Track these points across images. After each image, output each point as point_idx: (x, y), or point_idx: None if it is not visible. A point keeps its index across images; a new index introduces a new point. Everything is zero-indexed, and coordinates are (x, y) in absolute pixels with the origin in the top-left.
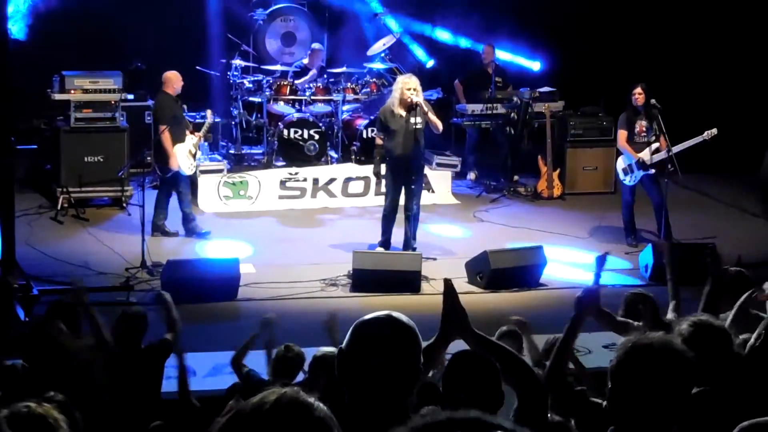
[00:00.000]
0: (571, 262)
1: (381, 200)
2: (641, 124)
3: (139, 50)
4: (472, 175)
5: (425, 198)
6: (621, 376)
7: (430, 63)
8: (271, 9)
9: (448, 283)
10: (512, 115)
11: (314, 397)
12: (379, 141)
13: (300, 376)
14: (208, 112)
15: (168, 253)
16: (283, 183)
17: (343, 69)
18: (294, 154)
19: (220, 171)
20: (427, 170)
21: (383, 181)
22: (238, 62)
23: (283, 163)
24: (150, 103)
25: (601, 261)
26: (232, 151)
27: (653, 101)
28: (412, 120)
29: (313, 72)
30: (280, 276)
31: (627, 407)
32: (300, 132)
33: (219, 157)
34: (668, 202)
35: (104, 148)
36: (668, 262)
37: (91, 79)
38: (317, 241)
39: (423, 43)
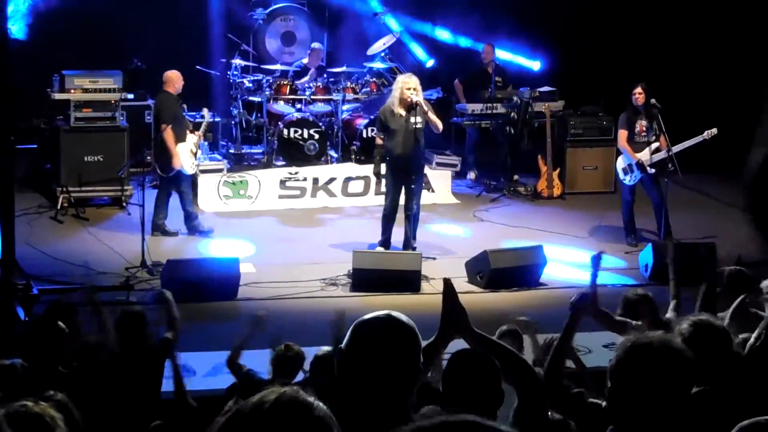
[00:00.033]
0: (571, 262)
1: (381, 200)
2: (641, 124)
3: (139, 50)
4: (472, 175)
5: (425, 197)
6: (620, 376)
7: (430, 62)
8: (270, 8)
9: (447, 283)
10: (512, 114)
11: (313, 396)
12: (379, 141)
13: (300, 376)
14: (205, 111)
15: (168, 253)
16: (283, 182)
17: (343, 68)
18: (294, 154)
19: (220, 170)
20: (427, 170)
21: (383, 181)
22: (238, 62)
23: (283, 163)
24: (150, 102)
25: (596, 260)
26: (232, 151)
27: (653, 101)
28: (412, 119)
29: (311, 72)
30: (280, 275)
31: (626, 407)
32: (300, 131)
33: (219, 157)
34: (668, 202)
35: (104, 147)
36: (671, 262)
37: (91, 78)
38: (317, 240)
39: (423, 43)
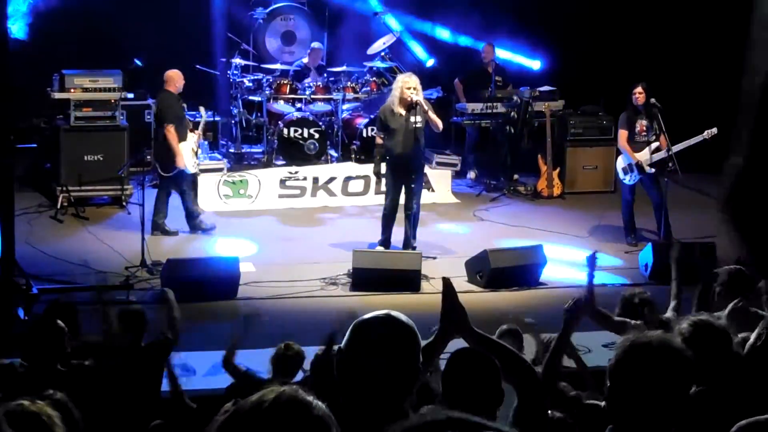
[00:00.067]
0: (570, 261)
1: (381, 199)
2: (642, 124)
3: (139, 49)
4: (472, 174)
5: (425, 197)
6: (620, 375)
7: (430, 62)
8: (271, 8)
9: (447, 282)
10: (512, 114)
11: (313, 395)
12: (379, 140)
13: (300, 375)
14: (202, 110)
15: (168, 252)
16: (283, 182)
17: (343, 68)
18: (294, 153)
19: (220, 170)
20: (427, 169)
21: (383, 180)
22: (238, 61)
23: (283, 162)
24: (150, 102)
25: (591, 261)
26: (232, 150)
27: (653, 100)
28: (412, 119)
29: (313, 72)
30: (280, 275)
31: (626, 406)
32: (300, 131)
33: (219, 156)
34: (668, 202)
35: (104, 146)
36: (675, 262)
37: (90, 77)
38: (317, 240)
39: (423, 42)
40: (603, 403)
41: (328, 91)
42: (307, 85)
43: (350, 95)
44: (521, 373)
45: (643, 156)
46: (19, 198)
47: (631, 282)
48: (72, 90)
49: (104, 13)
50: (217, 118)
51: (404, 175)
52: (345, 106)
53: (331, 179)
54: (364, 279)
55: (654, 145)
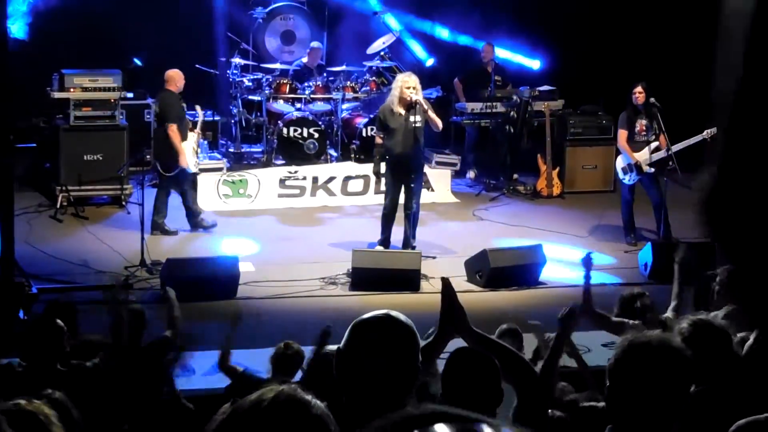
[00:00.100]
0: (570, 261)
1: (380, 199)
2: (641, 123)
3: (138, 48)
4: (471, 174)
5: (425, 196)
6: (619, 375)
7: (430, 61)
8: (270, 7)
9: (446, 282)
10: (512, 113)
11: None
12: (378, 140)
13: (299, 374)
14: (198, 109)
15: (167, 252)
16: (282, 181)
17: (343, 67)
18: (293, 153)
19: (219, 169)
20: (426, 169)
21: (383, 180)
22: (237, 60)
23: (283, 162)
24: (150, 101)
25: (587, 262)
26: (231, 150)
27: (653, 100)
28: (412, 118)
29: (312, 72)
30: (279, 274)
31: (625, 406)
32: (299, 130)
33: (218, 156)
34: (668, 201)
35: (104, 146)
36: (679, 262)
37: (90, 77)
38: (317, 239)
39: (422, 42)
40: (601, 405)
41: (327, 91)
42: (306, 84)
43: (350, 95)
44: (521, 373)
45: (643, 156)
46: (19, 198)
47: (631, 282)
48: (72, 89)
49: (104, 13)
50: (216, 118)
51: (404, 175)
52: (344, 106)
53: (331, 179)
54: (363, 278)
55: (654, 144)
